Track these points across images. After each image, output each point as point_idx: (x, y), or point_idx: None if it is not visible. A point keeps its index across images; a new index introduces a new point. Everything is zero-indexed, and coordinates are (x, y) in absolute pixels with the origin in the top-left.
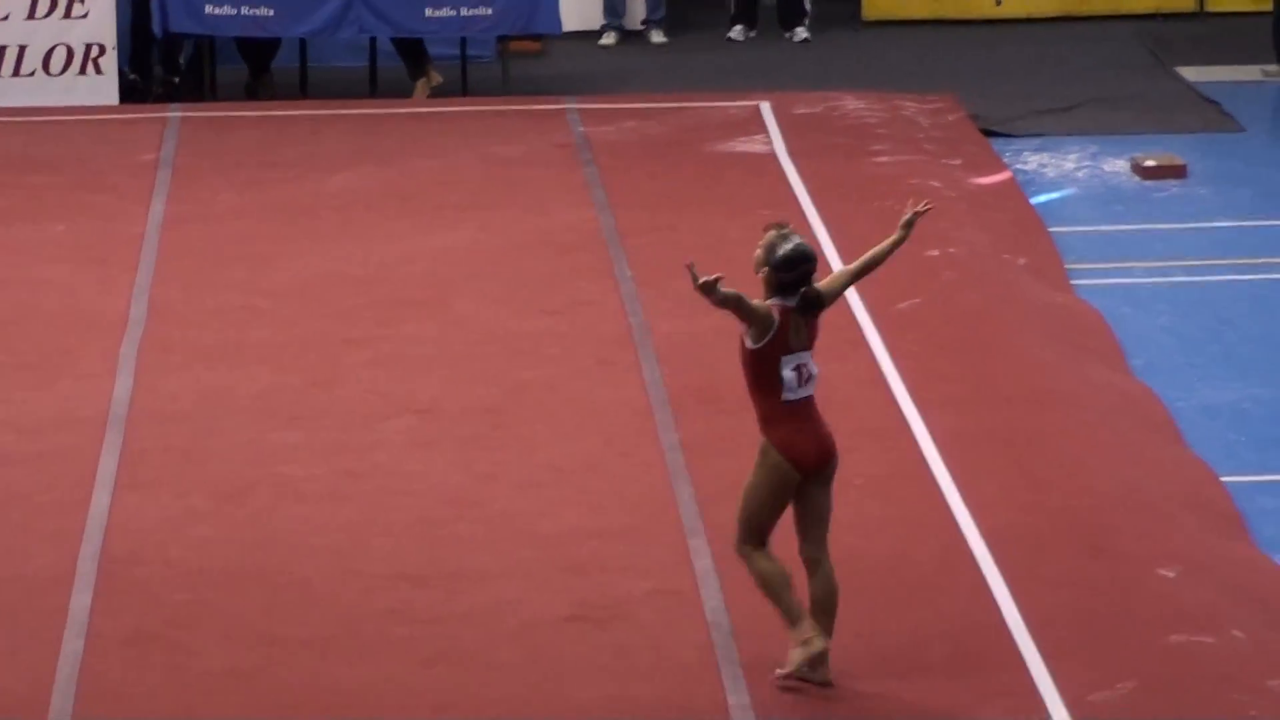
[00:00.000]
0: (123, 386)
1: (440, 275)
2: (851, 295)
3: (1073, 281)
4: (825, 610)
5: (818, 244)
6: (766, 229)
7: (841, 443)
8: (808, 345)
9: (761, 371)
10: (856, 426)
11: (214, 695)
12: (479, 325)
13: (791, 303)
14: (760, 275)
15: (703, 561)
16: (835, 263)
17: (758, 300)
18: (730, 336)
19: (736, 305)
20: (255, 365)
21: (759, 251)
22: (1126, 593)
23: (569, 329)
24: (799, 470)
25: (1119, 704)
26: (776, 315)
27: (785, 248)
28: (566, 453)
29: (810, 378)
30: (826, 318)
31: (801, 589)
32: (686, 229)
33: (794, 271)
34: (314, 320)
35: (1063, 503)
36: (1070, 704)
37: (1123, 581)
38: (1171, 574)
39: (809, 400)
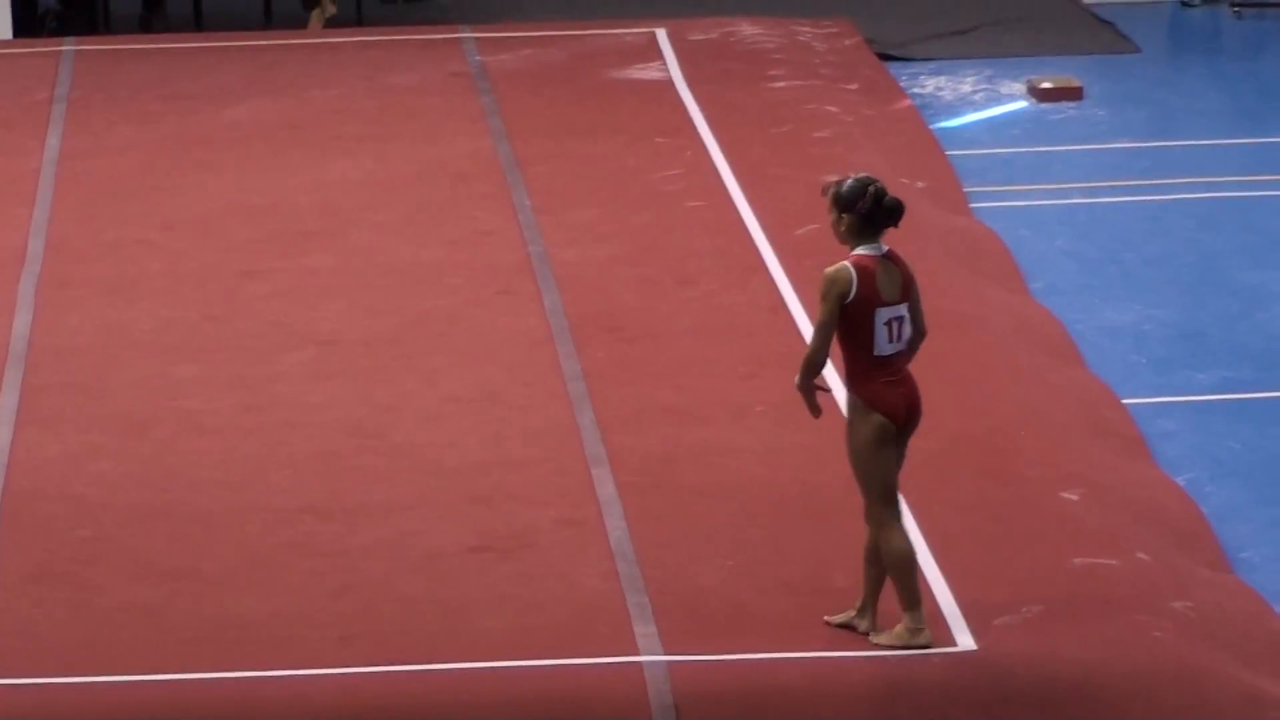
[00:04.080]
0: (22, 322)
1: (338, 206)
2: (750, 221)
3: (971, 205)
4: (877, 562)
5: (718, 174)
6: (829, 184)
7: (743, 370)
8: (900, 297)
9: (852, 325)
10: (757, 353)
11: (118, 631)
12: (378, 256)
13: (878, 251)
14: (841, 225)
15: (606, 490)
16: (737, 193)
17: (824, 293)
18: (628, 264)
19: (826, 333)
20: (154, 299)
21: (838, 196)
22: (1029, 516)
23: (469, 258)
24: (892, 422)
25: (1024, 628)
26: (854, 270)
27: (870, 189)
28: (468, 383)
29: (903, 335)
30: (724, 244)
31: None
32: (584, 157)
33: (892, 216)
34: (212, 253)
35: (964, 426)
36: (975, 629)
37: (1025, 505)
38: (1074, 496)
39: (900, 355)
